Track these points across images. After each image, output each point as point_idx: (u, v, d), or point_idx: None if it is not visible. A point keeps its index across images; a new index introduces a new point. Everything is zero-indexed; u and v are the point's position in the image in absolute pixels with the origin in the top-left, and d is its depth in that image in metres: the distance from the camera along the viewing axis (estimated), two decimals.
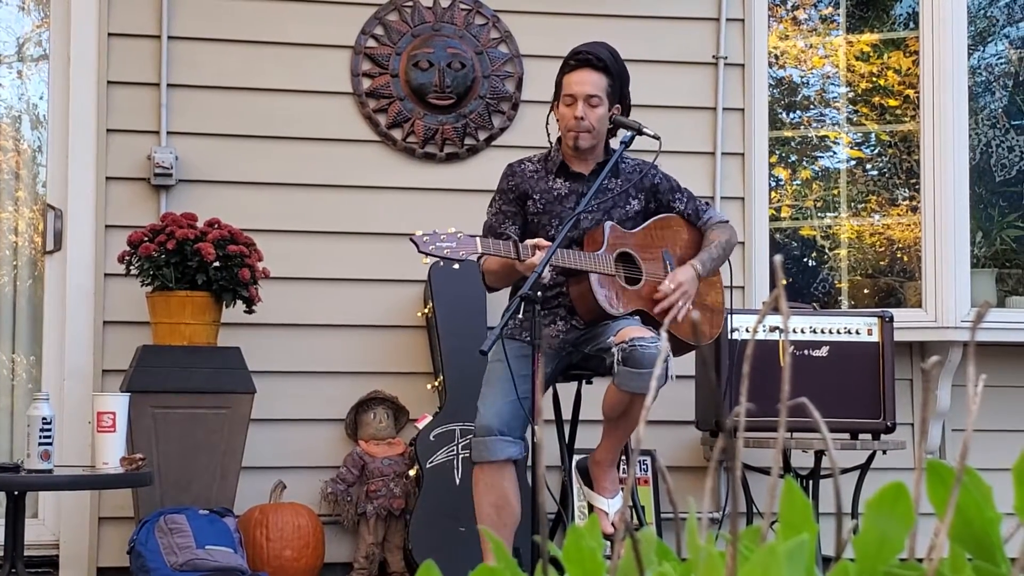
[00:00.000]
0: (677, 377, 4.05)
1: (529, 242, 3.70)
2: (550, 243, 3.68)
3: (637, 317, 3.93)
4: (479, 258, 3.93)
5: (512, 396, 3.76)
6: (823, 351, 4.60)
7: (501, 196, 4.05)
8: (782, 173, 5.68)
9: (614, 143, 4.07)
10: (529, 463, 4.12)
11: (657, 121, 4.06)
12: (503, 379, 3.76)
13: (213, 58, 4.90)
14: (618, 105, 4.01)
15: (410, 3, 5.08)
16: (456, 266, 3.64)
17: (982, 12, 5.63)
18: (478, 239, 3.68)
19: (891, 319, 4.63)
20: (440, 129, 5.03)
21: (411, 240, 3.60)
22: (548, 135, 4.07)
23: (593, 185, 3.82)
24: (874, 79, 5.60)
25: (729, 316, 4.17)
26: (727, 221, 4.23)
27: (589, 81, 3.94)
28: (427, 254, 3.58)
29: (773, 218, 5.36)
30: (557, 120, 4.03)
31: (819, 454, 4.53)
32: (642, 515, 4.48)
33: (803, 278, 5.55)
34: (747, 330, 4.48)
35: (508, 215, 4.01)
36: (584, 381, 4.21)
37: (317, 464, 4.79)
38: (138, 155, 4.79)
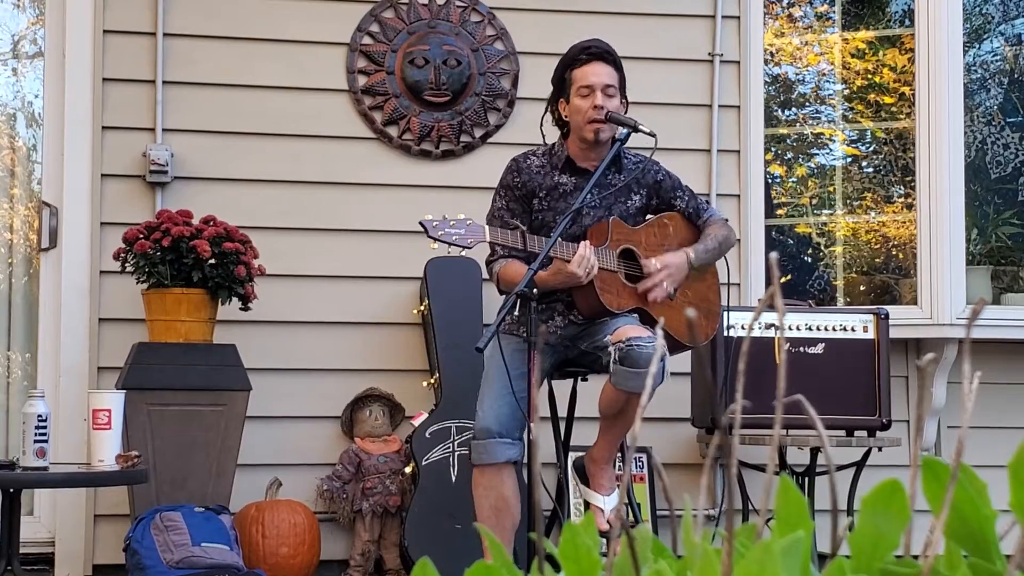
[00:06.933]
0: (673, 374, 4.05)
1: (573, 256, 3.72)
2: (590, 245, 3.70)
3: (636, 315, 3.93)
4: (490, 264, 3.92)
5: (510, 396, 3.76)
6: (819, 348, 4.60)
7: (507, 192, 3.99)
8: (778, 170, 5.68)
9: None
10: (525, 460, 4.11)
11: (653, 118, 4.06)
12: (501, 379, 3.76)
13: (209, 55, 4.89)
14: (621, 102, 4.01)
15: (406, 0, 5.08)
16: (463, 252, 3.64)
17: (977, 9, 5.63)
18: (486, 228, 3.69)
19: (887, 316, 4.64)
20: (436, 126, 5.02)
21: (420, 224, 3.60)
22: (543, 135, 4.05)
23: (592, 178, 3.81)
24: (870, 76, 5.60)
25: (725, 313, 4.16)
26: (726, 220, 4.23)
27: (605, 72, 3.93)
28: (436, 239, 3.59)
29: (768, 215, 5.36)
30: (563, 116, 3.98)
31: (815, 451, 4.53)
32: (638, 512, 4.48)
33: (799, 275, 5.55)
34: (743, 327, 4.48)
35: (515, 212, 3.96)
36: (580, 378, 4.21)
37: (313, 461, 4.79)
38: (133, 152, 4.79)
